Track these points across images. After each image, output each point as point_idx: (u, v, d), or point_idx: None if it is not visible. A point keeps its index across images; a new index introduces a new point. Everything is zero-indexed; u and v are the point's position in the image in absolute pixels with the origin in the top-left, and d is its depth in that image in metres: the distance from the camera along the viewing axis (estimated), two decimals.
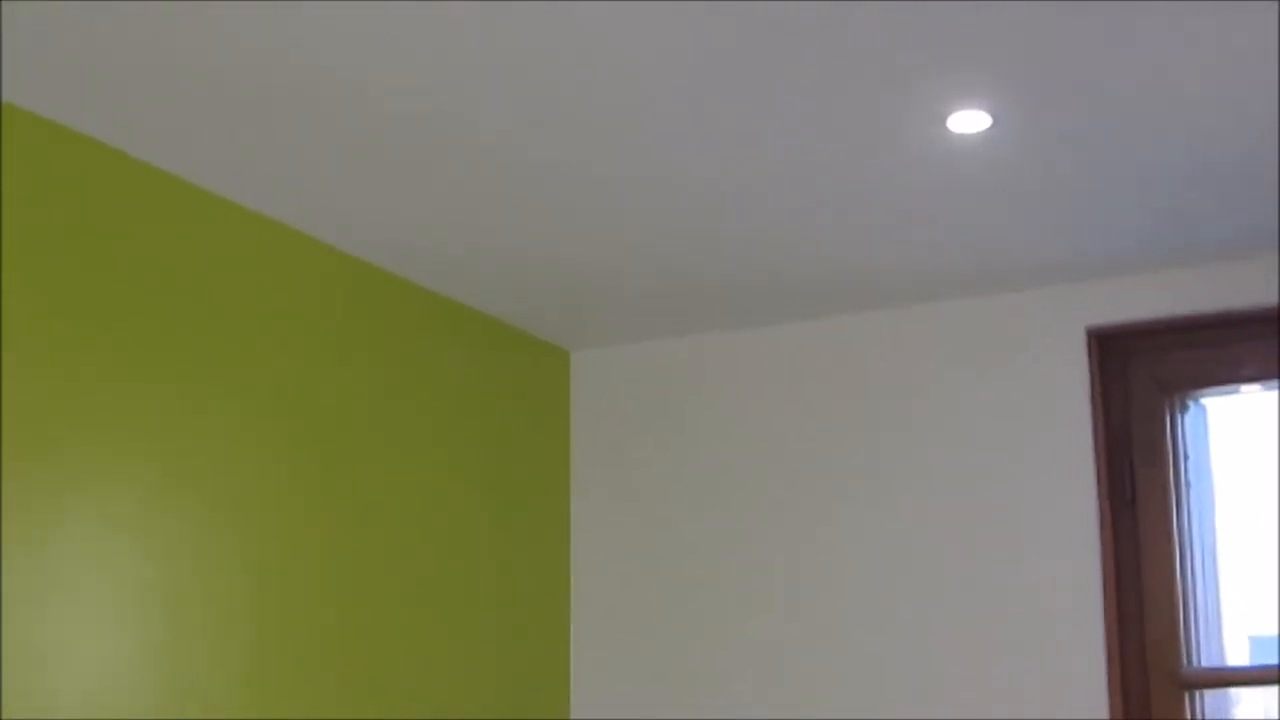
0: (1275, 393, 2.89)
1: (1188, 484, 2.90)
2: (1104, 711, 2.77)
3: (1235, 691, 2.86)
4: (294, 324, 2.59)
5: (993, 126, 2.34)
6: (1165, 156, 2.42)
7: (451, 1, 2.01)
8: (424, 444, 2.82)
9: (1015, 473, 2.94)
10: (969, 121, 2.34)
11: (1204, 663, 2.83)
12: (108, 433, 2.24)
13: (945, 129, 2.35)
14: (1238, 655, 2.89)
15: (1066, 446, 2.90)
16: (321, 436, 2.61)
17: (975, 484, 2.98)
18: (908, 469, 3.02)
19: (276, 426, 2.52)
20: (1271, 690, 2.78)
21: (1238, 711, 2.87)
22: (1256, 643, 2.87)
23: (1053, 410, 2.94)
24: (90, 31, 2.03)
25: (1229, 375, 2.87)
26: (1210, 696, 2.83)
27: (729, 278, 2.92)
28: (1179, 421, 2.93)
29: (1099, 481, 2.87)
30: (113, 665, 2.22)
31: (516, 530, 3.04)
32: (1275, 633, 2.77)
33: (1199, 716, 2.81)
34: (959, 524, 2.96)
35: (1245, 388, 2.92)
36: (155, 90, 2.18)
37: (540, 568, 3.10)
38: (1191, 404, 2.95)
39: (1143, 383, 2.92)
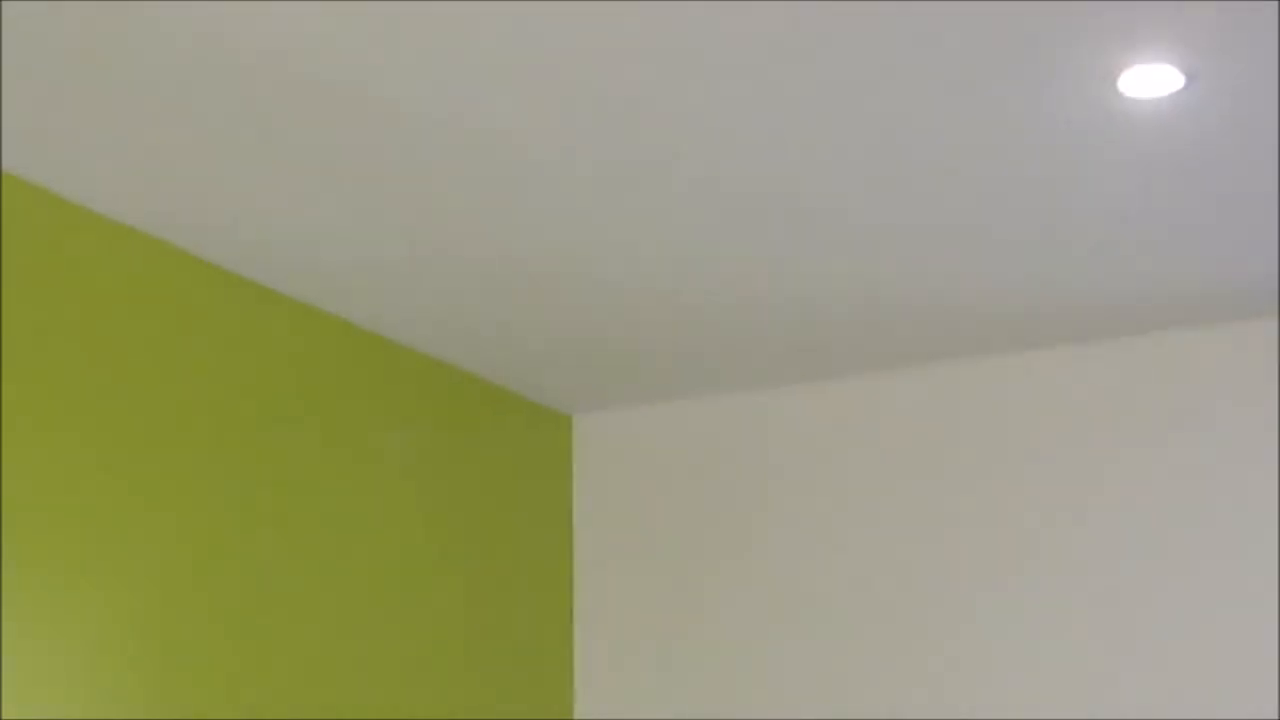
0: None
1: None
2: None
3: None
4: (269, 388, 2.62)
5: (1185, 88, 1.93)
6: None
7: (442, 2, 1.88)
8: (407, 521, 2.82)
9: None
10: (1149, 80, 1.91)
11: None
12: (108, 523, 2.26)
13: (1115, 91, 1.95)
14: None
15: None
16: (299, 508, 2.63)
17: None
18: (995, 566, 2.88)
19: (259, 496, 2.56)
20: None
21: None
22: None
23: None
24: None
25: None
26: None
27: (765, 324, 2.76)
28: None
29: None
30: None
31: (511, 614, 3.01)
32: None
33: None
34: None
35: None
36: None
37: (540, 659, 3.06)
38: None
39: None
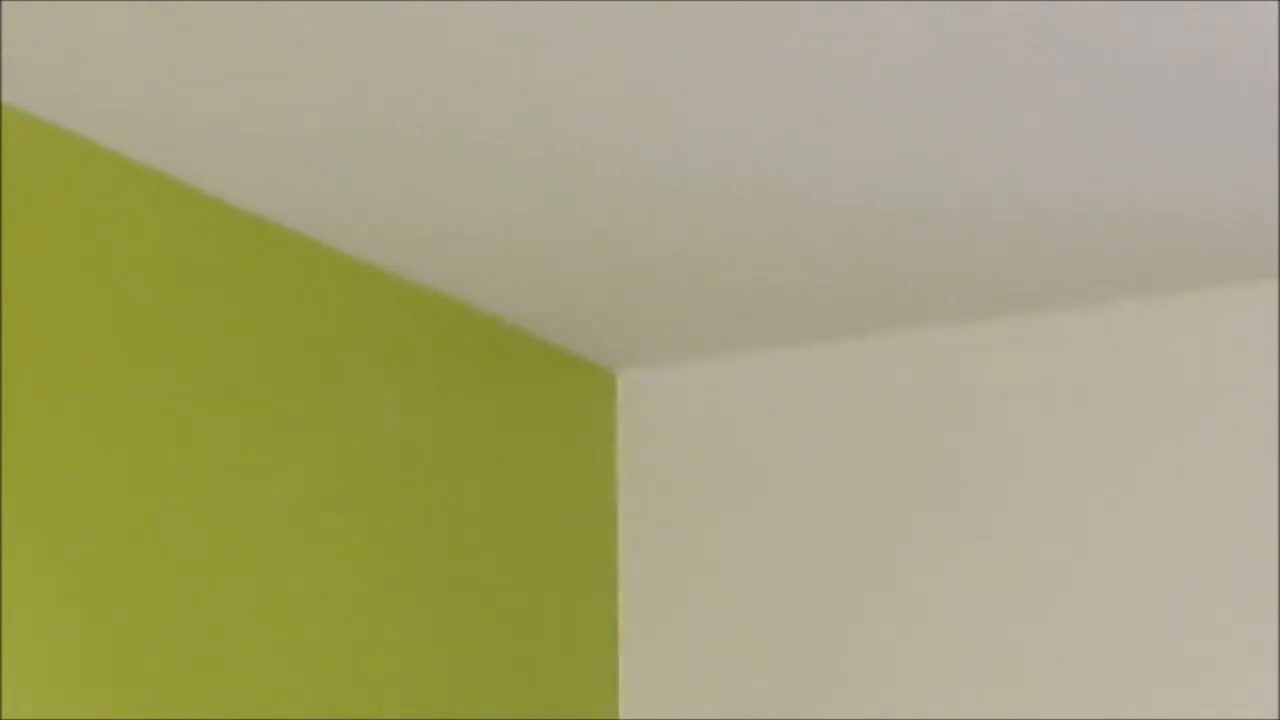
0: None
1: None
2: None
3: None
4: (273, 335, 2.61)
5: None
6: None
7: None
8: (427, 486, 2.80)
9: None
10: None
11: None
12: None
13: None
14: None
15: None
16: (307, 471, 2.63)
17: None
18: (1054, 516, 2.84)
19: (263, 455, 2.57)
20: None
21: None
22: None
23: None
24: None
25: None
26: None
27: (832, 270, 2.71)
28: None
29: None
30: None
31: (547, 592, 2.97)
32: None
33: None
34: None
35: None
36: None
37: (583, 634, 3.01)
38: None
39: None
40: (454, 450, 2.84)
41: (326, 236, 2.63)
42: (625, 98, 2.22)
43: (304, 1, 2.02)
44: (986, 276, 2.73)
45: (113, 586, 2.35)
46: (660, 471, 3.10)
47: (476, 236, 2.62)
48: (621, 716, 3.02)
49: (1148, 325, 2.87)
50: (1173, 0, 2.01)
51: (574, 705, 2.99)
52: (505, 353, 2.95)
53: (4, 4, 2.00)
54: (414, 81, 2.18)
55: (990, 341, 2.91)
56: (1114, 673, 2.82)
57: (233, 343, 2.52)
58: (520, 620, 2.91)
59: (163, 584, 2.42)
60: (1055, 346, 2.89)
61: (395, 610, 2.71)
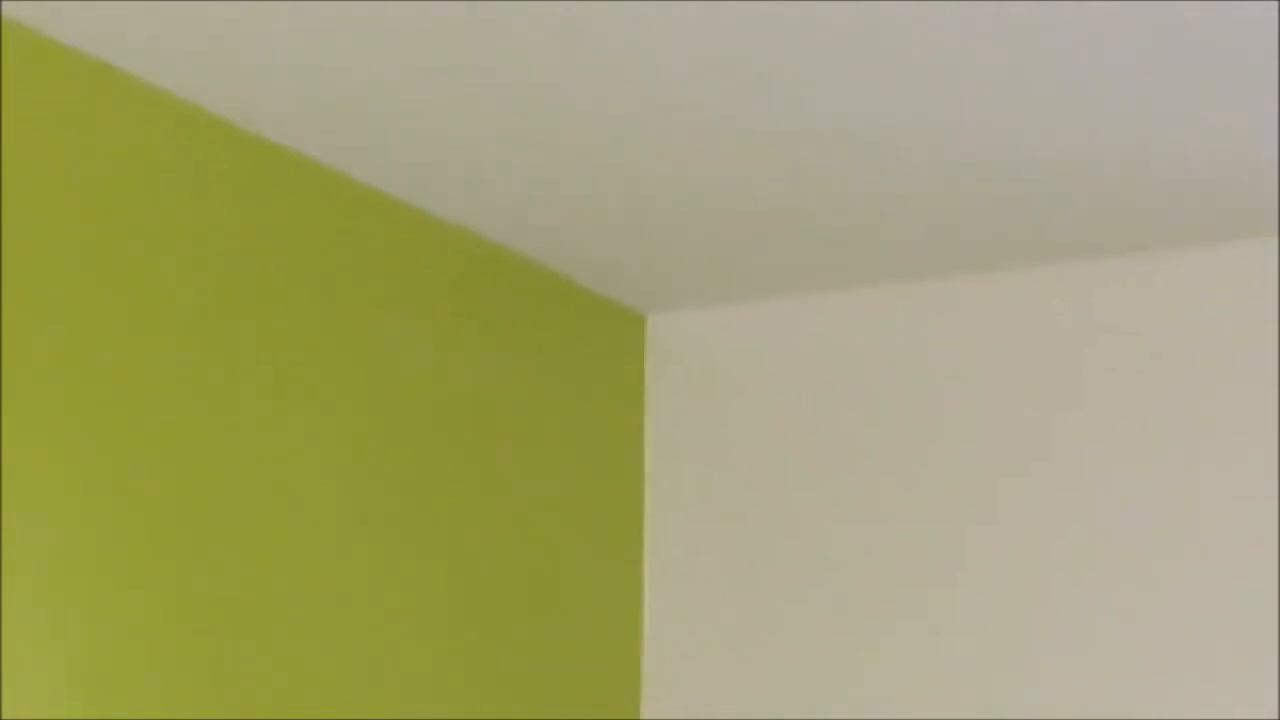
0: None
1: None
2: None
3: None
4: (281, 265, 2.58)
5: None
6: None
7: None
8: (464, 421, 2.80)
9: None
10: None
11: None
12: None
13: None
14: None
15: None
16: (316, 414, 2.61)
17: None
18: (1085, 463, 2.83)
19: (310, 390, 2.59)
20: None
21: None
22: None
23: None
24: None
25: None
26: None
27: (876, 213, 2.69)
28: None
29: None
30: None
31: (579, 540, 2.97)
32: None
33: None
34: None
35: None
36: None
37: (607, 584, 3.01)
38: None
39: None
40: (481, 391, 2.83)
41: (357, 172, 2.61)
42: (658, 33, 2.21)
43: None
44: (1015, 226, 2.73)
45: (123, 536, 2.32)
46: (688, 415, 3.07)
47: (509, 177, 2.60)
48: (645, 657, 3.01)
49: (1159, 279, 2.85)
50: None
51: (597, 643, 2.99)
52: (536, 295, 2.93)
53: None
54: (448, 14, 2.17)
55: (1021, 290, 2.90)
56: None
57: (260, 281, 2.51)
58: (546, 556, 2.91)
59: (181, 538, 2.40)
60: (1083, 295, 2.87)
61: (421, 547, 2.70)
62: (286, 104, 2.39)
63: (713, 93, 2.35)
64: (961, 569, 2.87)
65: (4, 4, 2.11)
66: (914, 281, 2.94)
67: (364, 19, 2.18)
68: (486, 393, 2.84)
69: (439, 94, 2.36)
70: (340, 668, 2.57)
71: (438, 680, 2.73)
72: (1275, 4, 2.11)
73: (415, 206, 2.70)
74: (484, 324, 2.86)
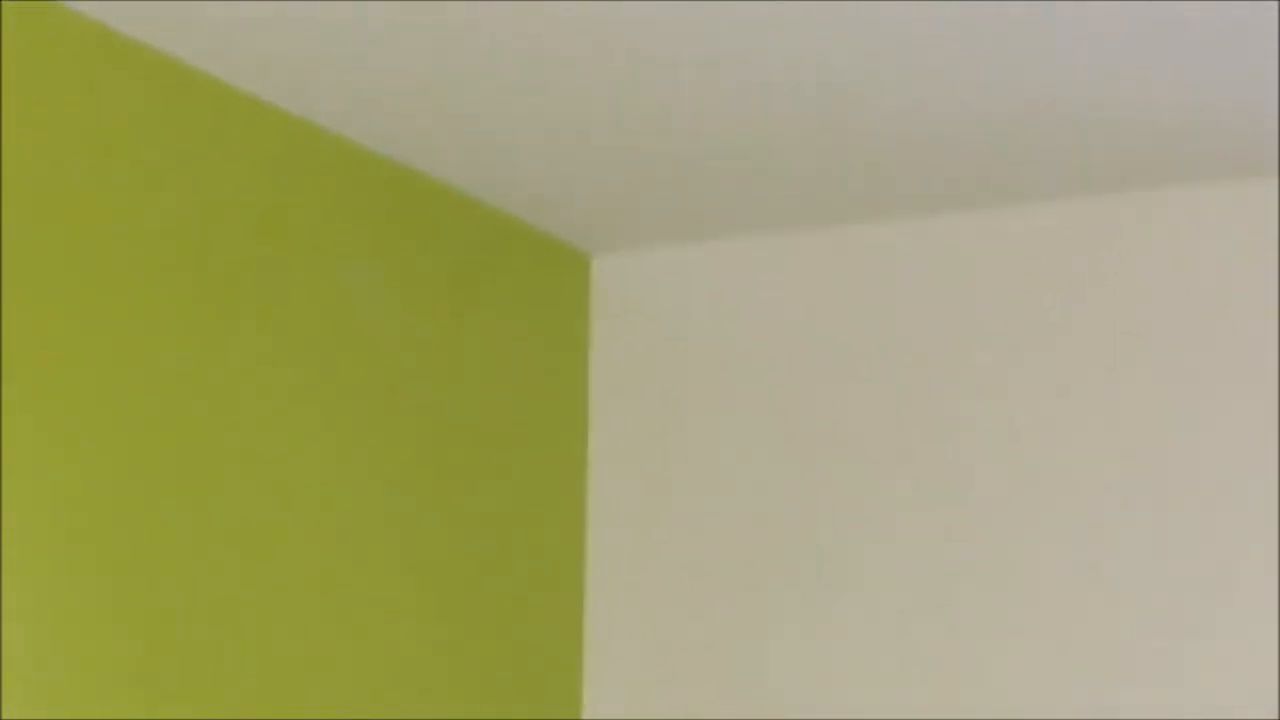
0: None
1: None
2: None
3: None
4: (239, 210, 2.60)
5: None
6: None
7: None
8: (406, 359, 2.83)
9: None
10: None
11: None
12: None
13: None
14: None
15: None
16: (284, 348, 2.64)
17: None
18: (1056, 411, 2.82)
19: (257, 327, 2.61)
20: None
21: None
22: None
23: None
24: None
25: None
26: None
27: (825, 151, 2.68)
28: None
29: None
30: None
31: (518, 484, 2.98)
32: None
33: None
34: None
35: None
36: None
37: (549, 534, 3.03)
38: None
39: None
40: (424, 329, 2.83)
41: (303, 110, 2.61)
42: None
43: None
44: (968, 167, 2.72)
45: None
46: (633, 356, 3.06)
47: (454, 115, 2.59)
48: (588, 616, 3.00)
49: (1149, 220, 2.83)
50: None
51: (540, 586, 2.98)
52: (480, 233, 2.92)
53: None
54: None
55: (973, 233, 2.89)
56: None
57: (208, 219, 2.50)
58: (485, 511, 2.90)
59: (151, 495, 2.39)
60: (1044, 240, 2.85)
61: (367, 491, 2.71)
62: (231, 42, 2.38)
63: (661, 31, 2.34)
64: (923, 536, 2.85)
65: None
66: (867, 223, 2.93)
67: None
68: (429, 331, 2.84)
69: (383, 33, 2.36)
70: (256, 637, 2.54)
71: (371, 675, 2.73)
72: None
73: (359, 144, 2.70)
74: (429, 263, 2.86)
